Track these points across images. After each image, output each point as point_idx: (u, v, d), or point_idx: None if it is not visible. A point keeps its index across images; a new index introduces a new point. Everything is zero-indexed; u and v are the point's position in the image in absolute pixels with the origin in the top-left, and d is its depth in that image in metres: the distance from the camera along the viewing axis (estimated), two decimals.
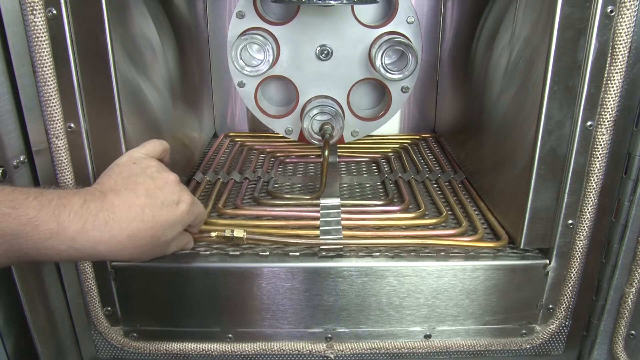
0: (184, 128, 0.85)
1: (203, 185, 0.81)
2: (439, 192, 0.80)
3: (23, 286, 0.56)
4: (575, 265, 0.62)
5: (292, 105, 0.94)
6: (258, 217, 0.71)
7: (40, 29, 0.52)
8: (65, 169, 0.57)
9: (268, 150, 0.98)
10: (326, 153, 0.74)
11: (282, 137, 0.98)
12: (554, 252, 0.62)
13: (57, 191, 0.43)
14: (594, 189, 0.58)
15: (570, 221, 0.60)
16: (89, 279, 0.61)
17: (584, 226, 0.60)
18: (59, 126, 0.55)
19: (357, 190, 0.82)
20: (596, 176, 0.58)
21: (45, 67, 0.53)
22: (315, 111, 0.88)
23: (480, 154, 0.77)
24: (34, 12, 0.51)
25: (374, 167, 0.92)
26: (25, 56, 0.53)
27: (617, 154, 0.57)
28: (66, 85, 0.54)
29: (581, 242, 0.61)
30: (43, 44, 0.52)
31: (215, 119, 1.05)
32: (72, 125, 0.56)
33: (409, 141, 1.02)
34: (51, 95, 0.54)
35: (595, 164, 0.57)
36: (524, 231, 0.61)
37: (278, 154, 0.96)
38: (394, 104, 0.94)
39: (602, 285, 0.63)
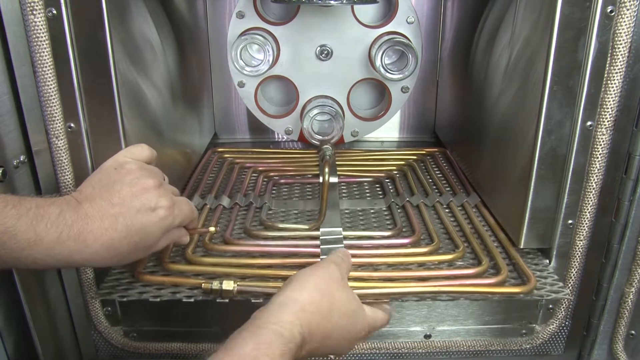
0: (184, 128, 0.85)
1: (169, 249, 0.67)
2: (452, 220, 0.71)
3: (23, 286, 0.56)
4: (575, 265, 0.62)
5: (292, 105, 0.94)
6: (250, 254, 0.62)
7: (40, 29, 0.52)
8: (65, 169, 0.57)
9: (260, 168, 0.89)
10: (326, 177, 0.64)
11: (275, 152, 0.94)
12: (554, 252, 0.62)
13: (36, 200, 0.44)
14: (594, 189, 0.58)
15: (570, 221, 0.60)
16: (89, 279, 0.61)
17: (584, 226, 0.60)
18: (59, 126, 0.55)
19: (361, 217, 0.73)
20: (596, 176, 0.57)
21: (45, 67, 0.53)
22: (315, 111, 0.88)
23: (480, 154, 0.77)
24: (34, 12, 0.51)
25: (378, 189, 0.84)
26: (25, 56, 0.53)
27: (617, 154, 0.57)
28: (66, 85, 0.54)
29: (581, 242, 0.61)
30: (43, 44, 0.52)
31: (215, 119, 1.05)
32: (72, 125, 0.56)
33: (414, 157, 0.94)
34: (51, 95, 0.54)
35: (595, 164, 0.57)
36: (524, 231, 0.61)
37: (271, 174, 0.88)
38: (394, 104, 0.94)
39: (602, 285, 0.63)
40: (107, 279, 0.58)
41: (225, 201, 0.76)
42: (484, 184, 0.76)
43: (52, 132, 0.55)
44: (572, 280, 0.63)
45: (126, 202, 0.47)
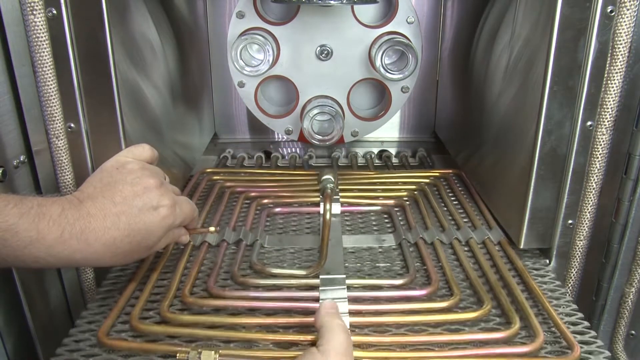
0: (184, 128, 0.85)
1: (169, 252, 0.62)
2: (474, 263, 0.61)
3: (23, 286, 0.56)
4: (575, 265, 0.62)
5: (292, 105, 0.94)
6: (236, 311, 0.52)
7: (40, 29, 0.52)
8: (65, 169, 0.57)
9: (253, 194, 0.78)
10: (328, 215, 0.53)
11: (270, 173, 0.86)
12: (554, 252, 0.62)
13: (37, 199, 0.44)
14: (594, 189, 0.58)
15: (570, 221, 0.60)
16: (89, 279, 0.61)
17: (584, 226, 0.60)
18: (59, 126, 0.55)
19: (368, 258, 0.63)
20: (596, 176, 0.57)
21: (45, 67, 0.53)
22: (315, 111, 0.88)
23: (480, 154, 0.77)
24: (34, 12, 0.51)
25: (387, 221, 0.72)
26: (25, 56, 0.53)
27: (617, 154, 0.57)
28: (66, 85, 0.54)
29: (581, 242, 0.61)
30: (43, 44, 0.52)
31: (215, 119, 1.05)
32: (72, 125, 0.56)
33: (426, 180, 0.83)
34: (51, 95, 0.54)
35: (595, 164, 0.57)
36: (524, 231, 0.61)
37: (265, 201, 0.76)
38: (394, 104, 0.94)
39: (602, 285, 0.63)
40: (65, 340, 0.49)
41: (211, 237, 0.65)
42: (483, 183, 0.76)
43: (52, 132, 0.55)
44: (572, 280, 0.63)
45: (128, 201, 0.47)
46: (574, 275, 0.62)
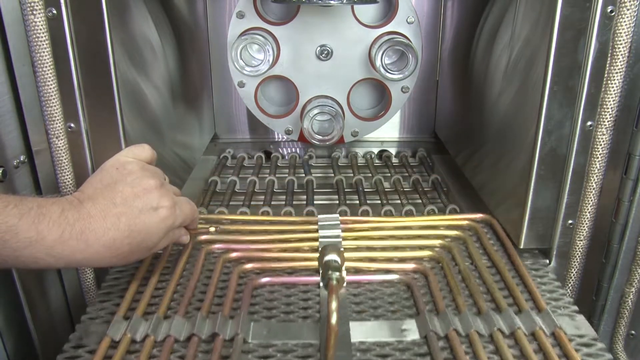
0: (184, 128, 0.85)
1: (167, 252, 0.57)
2: None
3: (23, 286, 0.56)
4: (575, 265, 0.62)
5: (292, 105, 0.94)
6: None
7: (40, 29, 0.52)
8: (65, 169, 0.57)
9: (234, 256, 0.60)
10: (333, 320, 0.41)
11: (257, 221, 0.68)
12: (554, 252, 0.62)
13: (37, 199, 0.44)
14: (594, 189, 0.58)
15: (570, 221, 0.60)
16: (89, 279, 0.61)
17: (584, 226, 0.60)
18: (59, 126, 0.55)
19: None
20: (596, 176, 0.57)
21: (45, 67, 0.53)
22: (315, 111, 0.88)
23: (480, 154, 0.77)
24: (34, 12, 0.51)
25: (406, 297, 0.54)
26: (25, 56, 0.53)
27: (617, 154, 0.57)
28: (66, 85, 0.54)
29: (581, 242, 0.61)
30: (43, 44, 0.52)
31: (215, 119, 1.05)
32: (72, 125, 0.56)
33: (452, 232, 0.65)
34: (51, 95, 0.54)
35: (595, 164, 0.57)
36: (524, 231, 0.61)
37: (250, 266, 0.58)
38: (394, 104, 0.94)
39: (602, 285, 0.63)
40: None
41: (179, 327, 0.48)
42: (484, 183, 0.76)
43: (52, 132, 0.55)
44: (572, 280, 0.63)
45: (128, 201, 0.47)
46: (574, 275, 0.62)
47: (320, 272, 0.48)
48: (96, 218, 0.45)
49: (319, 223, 0.65)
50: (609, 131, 0.56)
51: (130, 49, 0.61)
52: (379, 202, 0.83)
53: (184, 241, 0.58)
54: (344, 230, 0.64)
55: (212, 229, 0.60)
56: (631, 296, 0.62)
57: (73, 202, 0.46)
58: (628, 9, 0.51)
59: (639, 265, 0.60)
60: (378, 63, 0.86)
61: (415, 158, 1.04)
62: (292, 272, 0.58)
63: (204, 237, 0.63)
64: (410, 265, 0.59)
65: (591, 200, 0.59)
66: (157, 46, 0.71)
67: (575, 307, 0.52)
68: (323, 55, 0.90)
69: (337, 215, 0.67)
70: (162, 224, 0.49)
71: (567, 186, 0.58)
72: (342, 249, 0.56)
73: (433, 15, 0.98)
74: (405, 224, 0.67)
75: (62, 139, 0.56)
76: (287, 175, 0.93)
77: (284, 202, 0.83)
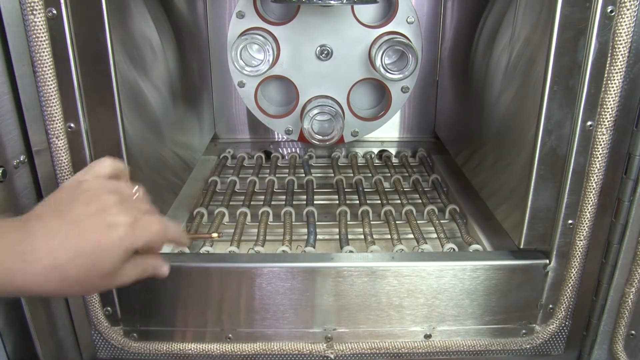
0: (184, 128, 0.85)
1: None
2: None
3: None
4: (575, 265, 0.62)
5: (292, 105, 0.94)
6: None
7: (40, 29, 0.52)
8: (65, 169, 0.57)
9: None
10: None
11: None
12: (554, 252, 0.62)
13: None
14: (594, 189, 0.58)
15: (570, 221, 0.60)
16: None
17: (584, 226, 0.60)
18: (59, 126, 0.55)
19: None
20: (596, 176, 0.57)
21: (45, 67, 0.53)
22: (315, 111, 0.88)
23: (480, 154, 0.77)
24: (34, 12, 0.51)
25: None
26: (25, 56, 0.53)
27: (617, 154, 0.57)
28: (66, 85, 0.54)
29: (581, 242, 0.61)
30: (43, 44, 0.52)
31: (215, 119, 1.05)
32: (72, 125, 0.56)
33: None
34: (51, 95, 0.54)
35: (595, 164, 0.57)
36: (524, 231, 0.61)
37: None
38: (394, 104, 0.94)
39: (602, 285, 0.63)
40: None
41: None
42: (483, 183, 0.76)
43: (52, 132, 0.55)
44: (572, 280, 0.63)
45: (79, 220, 0.43)
46: (574, 275, 0.62)
47: None
48: (40, 238, 0.41)
49: None
50: (609, 131, 0.56)
51: (130, 48, 0.61)
52: (379, 202, 0.83)
53: (162, 273, 0.49)
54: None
55: (215, 234, 0.58)
56: (631, 296, 0.62)
57: (17, 221, 0.42)
58: (628, 9, 0.51)
59: (639, 265, 0.60)
60: (378, 63, 0.86)
61: (415, 158, 1.04)
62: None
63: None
64: None
65: (591, 200, 0.59)
66: (157, 46, 0.71)
67: None
68: (323, 55, 0.90)
69: None
70: (119, 244, 0.43)
71: (567, 186, 0.58)
72: None
73: (433, 15, 0.98)
74: None
75: (62, 139, 0.56)
76: (287, 175, 0.93)
77: (284, 202, 0.83)
